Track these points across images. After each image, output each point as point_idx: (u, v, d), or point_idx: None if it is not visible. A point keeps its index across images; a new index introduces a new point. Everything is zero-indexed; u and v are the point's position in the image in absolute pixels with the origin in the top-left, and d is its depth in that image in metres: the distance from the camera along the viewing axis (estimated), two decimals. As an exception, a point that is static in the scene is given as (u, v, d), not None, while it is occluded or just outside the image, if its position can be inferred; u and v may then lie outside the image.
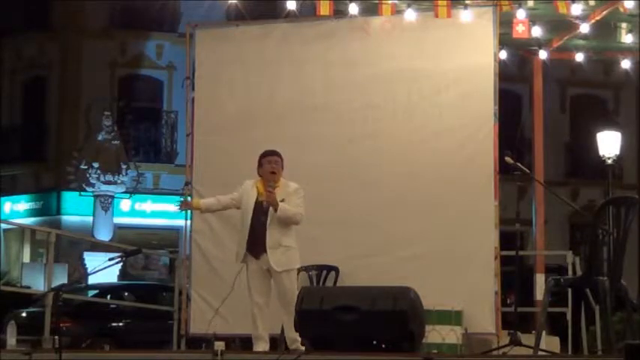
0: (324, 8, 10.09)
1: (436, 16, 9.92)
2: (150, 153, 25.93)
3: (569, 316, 10.75)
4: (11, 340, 8.96)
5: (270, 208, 8.20)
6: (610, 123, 19.67)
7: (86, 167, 23.88)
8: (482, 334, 9.71)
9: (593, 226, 7.45)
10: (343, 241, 9.94)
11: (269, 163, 8.31)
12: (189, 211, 10.13)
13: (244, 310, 8.45)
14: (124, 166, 24.18)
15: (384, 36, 10.31)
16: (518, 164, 8.45)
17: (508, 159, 8.48)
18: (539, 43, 11.51)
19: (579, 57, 12.04)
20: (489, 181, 9.74)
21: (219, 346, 7.22)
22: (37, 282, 19.43)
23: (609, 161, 17.51)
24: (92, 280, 17.15)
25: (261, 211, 8.25)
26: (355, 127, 10.22)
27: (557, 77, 23.04)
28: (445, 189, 9.84)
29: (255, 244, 8.25)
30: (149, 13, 25.16)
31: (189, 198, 10.06)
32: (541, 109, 12.20)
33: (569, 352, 10.55)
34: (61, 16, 25.95)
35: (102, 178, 23.82)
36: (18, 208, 25.90)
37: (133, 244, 13.52)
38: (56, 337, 8.02)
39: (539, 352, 7.99)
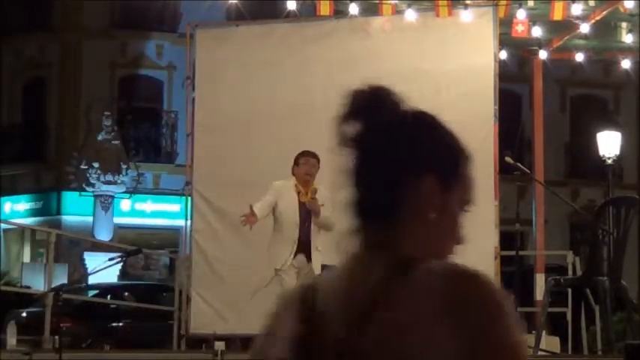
0: (324, 8, 10.10)
1: (437, 15, 9.92)
2: (150, 153, 25.91)
3: (569, 316, 10.75)
4: (11, 340, 8.96)
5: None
6: (610, 123, 19.64)
7: (86, 167, 23.87)
8: (482, 334, 9.69)
9: (593, 226, 7.46)
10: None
11: (305, 165, 8.10)
12: (189, 211, 10.13)
13: (245, 311, 8.44)
14: (124, 166, 24.17)
15: (385, 36, 10.31)
16: (518, 164, 8.46)
17: (508, 159, 8.48)
18: (539, 43, 11.52)
19: (579, 57, 12.05)
20: (489, 181, 9.72)
21: (219, 346, 7.23)
22: (37, 282, 19.38)
23: (609, 161, 17.49)
24: (92, 280, 17.13)
25: (306, 213, 8.04)
26: (355, 127, 10.20)
27: (557, 77, 22.94)
28: (445, 189, 9.82)
29: (305, 246, 8.05)
30: (149, 13, 25.18)
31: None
32: (541, 109, 12.21)
33: (569, 352, 10.55)
34: (61, 16, 25.96)
35: (102, 178, 23.81)
36: (18, 208, 25.90)
37: (133, 244, 13.52)
38: (56, 337, 8.02)
39: (539, 352, 7.99)
